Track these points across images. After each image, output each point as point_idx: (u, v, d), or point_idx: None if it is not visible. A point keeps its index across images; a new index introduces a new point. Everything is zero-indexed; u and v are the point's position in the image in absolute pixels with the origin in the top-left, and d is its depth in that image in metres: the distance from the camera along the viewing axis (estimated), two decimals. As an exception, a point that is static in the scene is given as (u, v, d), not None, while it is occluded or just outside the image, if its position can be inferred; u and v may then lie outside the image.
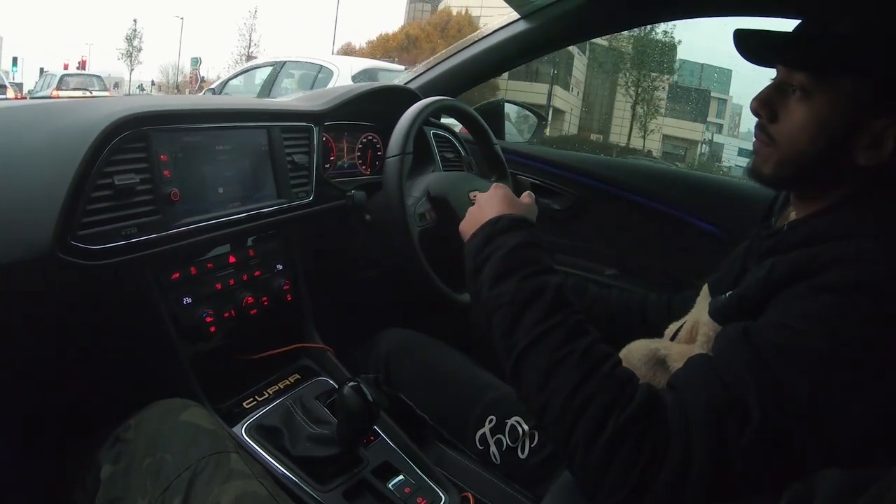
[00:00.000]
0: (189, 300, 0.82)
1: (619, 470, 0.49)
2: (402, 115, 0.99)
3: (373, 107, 1.18)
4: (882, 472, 0.37)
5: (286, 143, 0.96)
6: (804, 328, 0.50)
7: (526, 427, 0.84)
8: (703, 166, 20.37)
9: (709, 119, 21.51)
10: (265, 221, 0.92)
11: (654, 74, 18.88)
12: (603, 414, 0.51)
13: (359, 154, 1.18)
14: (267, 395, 0.90)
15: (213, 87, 6.35)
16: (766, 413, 0.48)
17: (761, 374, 0.49)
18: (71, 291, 0.71)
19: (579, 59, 21.13)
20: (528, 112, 1.78)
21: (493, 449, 0.86)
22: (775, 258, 0.57)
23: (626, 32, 15.43)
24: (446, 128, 1.35)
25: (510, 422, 0.85)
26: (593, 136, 20.74)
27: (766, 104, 0.62)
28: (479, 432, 0.87)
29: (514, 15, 1.29)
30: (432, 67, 1.39)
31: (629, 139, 19.44)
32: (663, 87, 19.51)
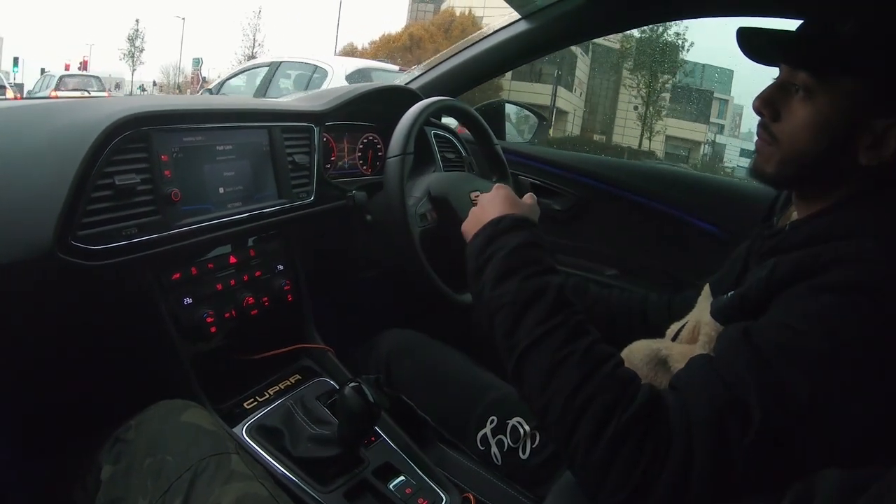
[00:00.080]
0: (190, 300, 0.82)
1: (620, 470, 0.49)
2: (402, 115, 0.99)
3: (374, 107, 1.18)
4: (882, 472, 0.37)
5: (287, 144, 0.96)
6: (805, 328, 0.50)
7: (527, 427, 0.83)
8: (706, 167, 20.36)
9: (711, 120, 21.52)
10: (266, 222, 0.92)
11: (656, 75, 18.88)
12: (604, 414, 0.51)
13: (360, 154, 1.18)
14: (268, 396, 0.90)
15: (210, 87, 6.35)
16: (768, 413, 0.47)
17: (762, 374, 0.49)
18: (71, 291, 0.71)
19: (582, 60, 21.13)
20: (528, 112, 1.78)
21: (494, 449, 0.85)
22: (777, 258, 0.57)
23: (628, 32, 15.44)
24: (447, 128, 1.35)
25: (511, 422, 0.85)
26: (596, 137, 20.75)
27: (768, 103, 0.62)
28: (481, 433, 0.87)
29: (515, 15, 1.29)
30: (433, 68, 1.39)
31: (635, 140, 19.44)
32: (666, 88, 19.50)
